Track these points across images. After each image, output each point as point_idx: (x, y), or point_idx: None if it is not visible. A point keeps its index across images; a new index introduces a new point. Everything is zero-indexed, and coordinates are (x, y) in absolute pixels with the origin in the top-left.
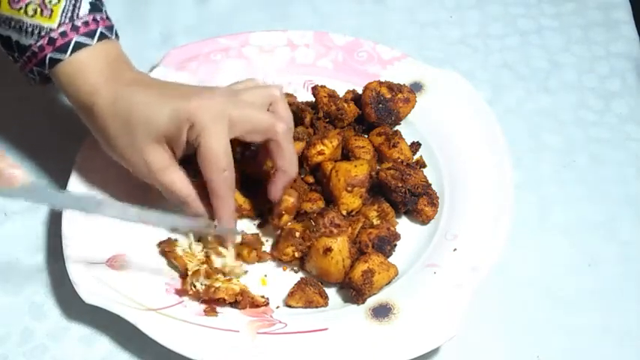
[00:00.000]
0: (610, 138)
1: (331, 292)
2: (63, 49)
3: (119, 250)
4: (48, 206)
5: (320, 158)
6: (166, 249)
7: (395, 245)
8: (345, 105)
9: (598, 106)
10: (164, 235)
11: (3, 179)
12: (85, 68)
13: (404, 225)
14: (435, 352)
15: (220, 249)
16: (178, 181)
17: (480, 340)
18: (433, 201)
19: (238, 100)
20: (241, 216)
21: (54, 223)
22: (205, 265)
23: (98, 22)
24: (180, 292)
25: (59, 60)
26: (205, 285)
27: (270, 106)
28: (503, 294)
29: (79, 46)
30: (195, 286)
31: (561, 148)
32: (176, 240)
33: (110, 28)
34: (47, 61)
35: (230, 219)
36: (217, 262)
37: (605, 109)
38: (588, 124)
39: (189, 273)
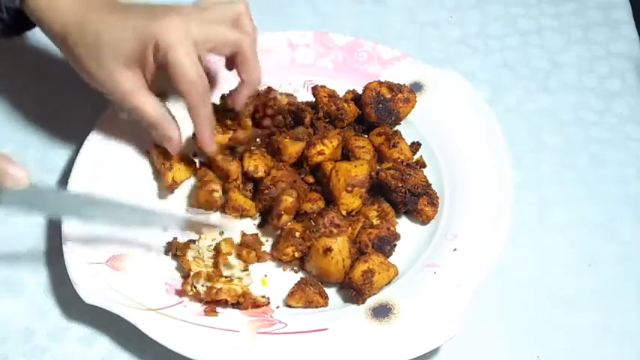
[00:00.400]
0: (610, 138)
1: (331, 292)
2: None
3: (119, 250)
4: (47, 214)
5: (320, 158)
6: (178, 252)
7: (395, 245)
8: (345, 105)
9: (598, 106)
10: (164, 234)
11: (10, 179)
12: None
13: (404, 225)
14: (435, 352)
15: (229, 259)
16: (148, 103)
17: (480, 340)
18: (433, 201)
19: (203, 16)
20: (241, 216)
21: (54, 223)
22: (206, 270)
23: None
24: (180, 293)
25: None
26: (206, 287)
27: (235, 22)
28: (503, 294)
29: None
30: (195, 288)
31: (561, 148)
32: (191, 242)
33: None
34: None
35: (209, 133)
36: (225, 272)
37: (605, 109)
38: (588, 124)
39: (191, 274)
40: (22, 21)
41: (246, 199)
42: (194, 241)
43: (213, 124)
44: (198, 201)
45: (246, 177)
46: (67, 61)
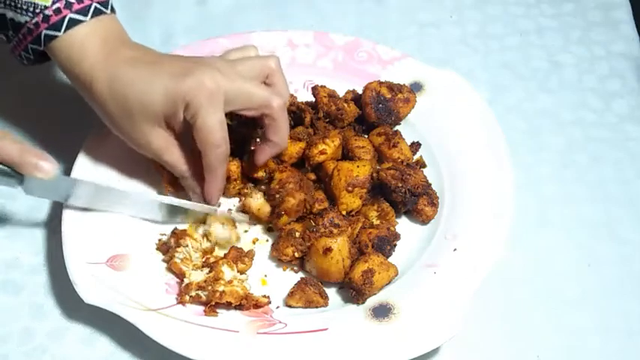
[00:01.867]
0: (610, 138)
1: (331, 292)
2: (57, 25)
3: (119, 250)
4: (63, 200)
5: (322, 158)
6: (166, 257)
7: (395, 245)
8: (345, 105)
9: (598, 106)
10: (164, 235)
11: (40, 171)
12: (82, 45)
13: (404, 225)
14: (435, 352)
15: (223, 269)
16: (180, 160)
17: (480, 340)
18: (433, 201)
19: (233, 72)
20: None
21: (54, 223)
22: (199, 271)
23: None
24: (181, 302)
25: (54, 37)
26: (209, 290)
27: (266, 79)
28: (503, 294)
29: (73, 22)
30: (191, 296)
31: (561, 148)
32: (177, 247)
33: (105, 3)
34: (43, 37)
35: (219, 192)
36: (212, 234)
37: (605, 109)
38: (588, 124)
39: (183, 284)
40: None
41: (260, 207)
42: (178, 245)
43: (223, 185)
44: None
45: (246, 177)
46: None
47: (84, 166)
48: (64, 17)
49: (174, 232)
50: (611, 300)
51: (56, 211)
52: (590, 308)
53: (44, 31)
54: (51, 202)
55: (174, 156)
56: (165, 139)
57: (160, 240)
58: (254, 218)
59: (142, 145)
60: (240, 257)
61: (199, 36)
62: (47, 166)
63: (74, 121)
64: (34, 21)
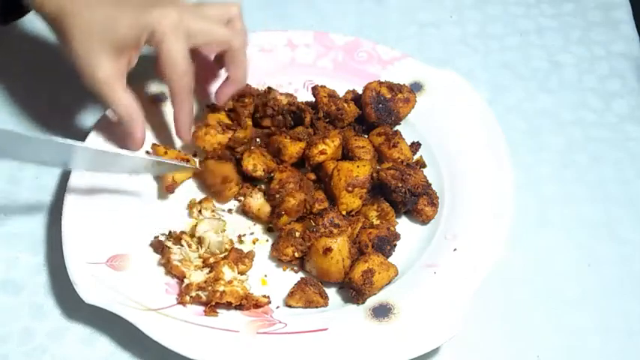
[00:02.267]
0: (610, 138)
1: (331, 292)
2: None
3: (119, 250)
4: (38, 159)
5: (322, 158)
6: (162, 261)
7: (395, 245)
8: (345, 105)
9: (598, 106)
10: (164, 235)
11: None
12: None
13: (404, 225)
14: (435, 352)
15: (224, 270)
16: (121, 96)
17: (480, 340)
18: (433, 201)
19: (197, 12)
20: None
21: (54, 223)
22: (199, 272)
23: None
24: (181, 303)
25: None
26: (209, 291)
27: (228, 23)
28: (503, 294)
29: None
30: (191, 297)
31: (561, 148)
32: (169, 248)
33: None
34: None
35: (187, 121)
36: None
37: (605, 109)
38: (588, 124)
39: (183, 285)
40: (14, 8)
41: (260, 207)
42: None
43: (192, 117)
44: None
45: (245, 176)
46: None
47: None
48: None
49: (169, 234)
50: (611, 300)
51: (56, 211)
52: (590, 308)
53: None
54: (51, 201)
55: (117, 91)
56: (113, 69)
57: (155, 237)
58: (254, 218)
59: (89, 74)
60: (240, 258)
61: None
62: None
63: (79, 113)
64: None
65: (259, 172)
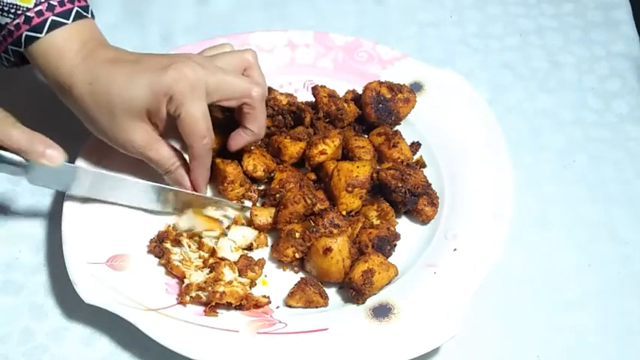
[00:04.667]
0: (610, 138)
1: (331, 292)
2: (39, 28)
3: (119, 250)
4: (66, 189)
5: (322, 158)
6: (162, 261)
7: (395, 245)
8: (345, 105)
9: (598, 106)
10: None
11: (47, 159)
12: (61, 48)
13: (404, 225)
14: (435, 352)
15: (224, 271)
16: (162, 155)
17: (480, 340)
18: (433, 201)
19: (213, 66)
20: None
21: (54, 223)
22: (200, 272)
23: (74, 1)
24: (179, 301)
25: (35, 38)
26: (209, 291)
27: (244, 72)
28: (503, 294)
29: (55, 24)
30: (192, 296)
31: (561, 148)
32: (169, 249)
33: (86, 7)
34: (23, 39)
35: (205, 182)
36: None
37: (605, 109)
38: (588, 124)
39: (183, 285)
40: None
41: (266, 218)
42: (176, 244)
43: (209, 173)
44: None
45: (247, 176)
46: None
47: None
48: (46, 19)
49: (165, 234)
50: (611, 300)
51: (56, 211)
52: (590, 308)
53: (25, 33)
54: (51, 201)
55: (158, 152)
56: (148, 135)
57: (151, 241)
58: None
59: (126, 143)
60: (250, 265)
61: (199, 36)
62: (55, 153)
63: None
64: (15, 22)
65: (259, 173)
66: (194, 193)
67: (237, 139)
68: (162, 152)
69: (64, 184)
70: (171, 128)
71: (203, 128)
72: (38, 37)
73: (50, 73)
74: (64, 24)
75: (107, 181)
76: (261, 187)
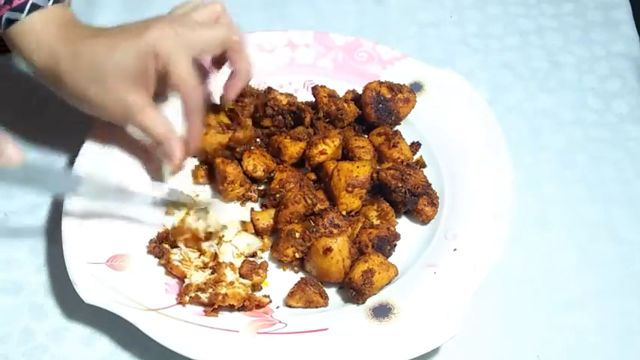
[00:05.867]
0: (610, 138)
1: (331, 292)
2: (19, 8)
3: (119, 250)
4: (45, 189)
5: (322, 158)
6: (162, 261)
7: (395, 245)
8: (345, 105)
9: (598, 106)
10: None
11: (5, 159)
12: (39, 31)
13: (404, 225)
14: (435, 352)
15: (226, 272)
16: (156, 120)
17: (480, 340)
18: (433, 201)
19: (189, 21)
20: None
21: (54, 223)
22: (200, 272)
23: None
24: (179, 301)
25: (14, 20)
26: (210, 293)
27: (216, 21)
28: (503, 294)
29: (34, 7)
30: (191, 297)
31: (561, 148)
32: (168, 249)
33: None
34: (3, 21)
35: (199, 133)
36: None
37: (605, 109)
38: (588, 124)
39: (184, 285)
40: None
41: (266, 223)
42: (174, 246)
43: (202, 128)
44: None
45: (247, 176)
46: None
47: (87, 159)
48: (27, 1)
49: (164, 234)
50: (611, 300)
51: (56, 211)
52: (590, 308)
53: (6, 14)
54: (51, 201)
55: (150, 116)
56: (140, 99)
57: (150, 242)
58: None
59: (117, 110)
60: (254, 269)
61: None
62: (13, 152)
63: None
64: None
65: (259, 173)
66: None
67: (231, 87)
68: (154, 117)
69: (31, 183)
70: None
71: (192, 80)
72: (17, 19)
73: (30, 55)
74: (42, 7)
75: (85, 183)
76: (261, 187)
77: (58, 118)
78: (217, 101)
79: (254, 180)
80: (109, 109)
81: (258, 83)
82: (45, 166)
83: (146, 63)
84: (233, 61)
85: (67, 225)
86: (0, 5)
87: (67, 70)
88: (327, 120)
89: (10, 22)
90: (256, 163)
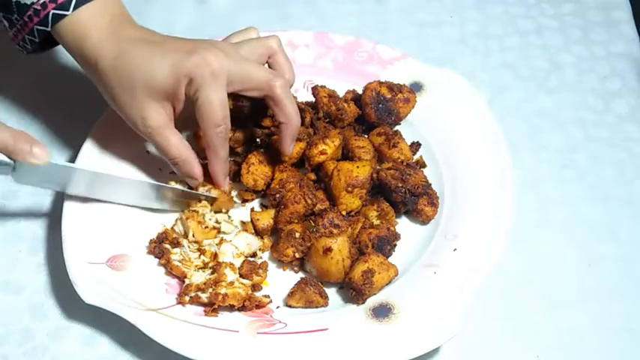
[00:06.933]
0: (610, 138)
1: (331, 292)
2: (65, 5)
3: (119, 250)
4: (57, 188)
5: (322, 158)
6: (162, 261)
7: (395, 245)
8: (345, 105)
9: (598, 106)
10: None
11: (33, 157)
12: (88, 24)
13: (404, 225)
14: (435, 351)
15: (226, 272)
16: (172, 141)
17: (480, 340)
18: (433, 201)
19: (237, 55)
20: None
21: (54, 223)
22: (200, 272)
23: None
24: (179, 301)
25: (63, 16)
26: (210, 293)
27: (269, 59)
28: (503, 294)
29: (81, 1)
30: (191, 297)
31: (561, 148)
32: (168, 249)
33: None
34: (50, 18)
35: (224, 173)
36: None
37: (605, 109)
38: (588, 124)
39: (184, 285)
40: (50, 40)
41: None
42: (175, 245)
43: (228, 166)
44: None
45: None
46: (70, 68)
47: (89, 155)
48: None
49: (164, 234)
50: (611, 300)
51: (56, 211)
52: (590, 308)
53: (52, 11)
54: (51, 201)
55: (167, 138)
56: (162, 118)
57: (150, 242)
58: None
59: (138, 121)
60: (254, 269)
61: (199, 36)
62: (40, 151)
63: (81, 110)
64: (41, 1)
65: (260, 185)
66: (176, 187)
67: (282, 141)
68: (170, 139)
69: (50, 182)
70: (188, 118)
71: (219, 115)
72: (65, 15)
73: (77, 49)
74: (89, 0)
75: (99, 179)
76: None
77: (59, 118)
78: None
79: (256, 192)
80: (133, 119)
81: None
82: (67, 166)
83: (178, 85)
84: (273, 111)
85: (67, 225)
86: (46, 3)
87: (106, 68)
88: (327, 120)
89: (58, 17)
90: (256, 177)
